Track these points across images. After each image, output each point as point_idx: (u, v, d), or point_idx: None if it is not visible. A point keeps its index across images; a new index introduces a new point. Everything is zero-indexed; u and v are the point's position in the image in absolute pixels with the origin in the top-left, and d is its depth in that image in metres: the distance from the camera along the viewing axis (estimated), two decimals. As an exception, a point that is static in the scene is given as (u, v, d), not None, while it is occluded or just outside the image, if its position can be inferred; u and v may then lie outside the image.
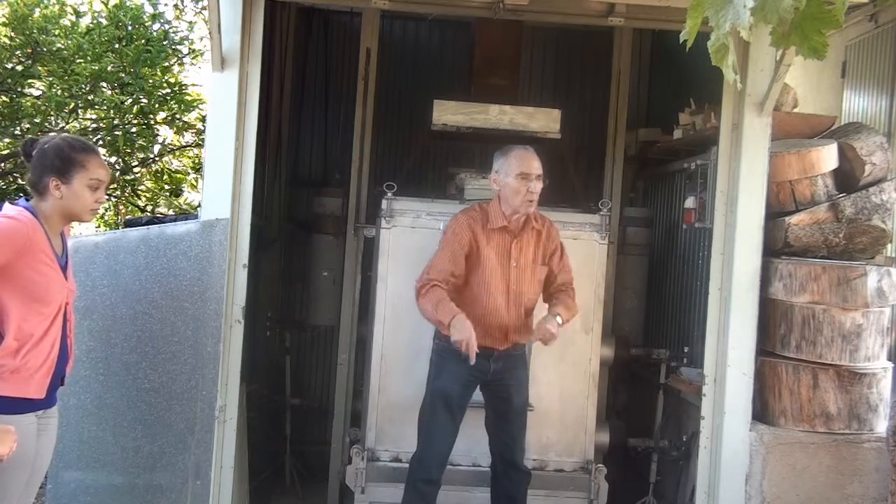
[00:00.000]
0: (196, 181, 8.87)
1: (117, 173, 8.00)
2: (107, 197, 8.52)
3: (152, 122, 7.65)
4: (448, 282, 3.99)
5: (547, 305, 4.19)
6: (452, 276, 4.01)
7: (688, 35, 2.05)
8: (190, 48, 8.16)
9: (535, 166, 4.03)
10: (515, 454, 4.20)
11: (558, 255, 4.22)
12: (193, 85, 7.94)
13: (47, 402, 3.11)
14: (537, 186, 4.01)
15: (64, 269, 3.12)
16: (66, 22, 7.28)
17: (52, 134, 3.38)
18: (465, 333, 3.80)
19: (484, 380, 4.11)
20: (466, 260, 4.05)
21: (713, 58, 2.00)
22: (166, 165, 8.94)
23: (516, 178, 3.99)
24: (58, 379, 3.14)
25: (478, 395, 4.19)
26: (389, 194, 4.63)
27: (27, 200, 3.11)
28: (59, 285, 3.06)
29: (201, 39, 8.24)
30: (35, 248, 2.97)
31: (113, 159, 7.83)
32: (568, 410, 4.69)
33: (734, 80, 2.03)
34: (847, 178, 4.55)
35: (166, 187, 8.97)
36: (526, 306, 4.14)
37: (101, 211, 3.19)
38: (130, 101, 7.18)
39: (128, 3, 7.36)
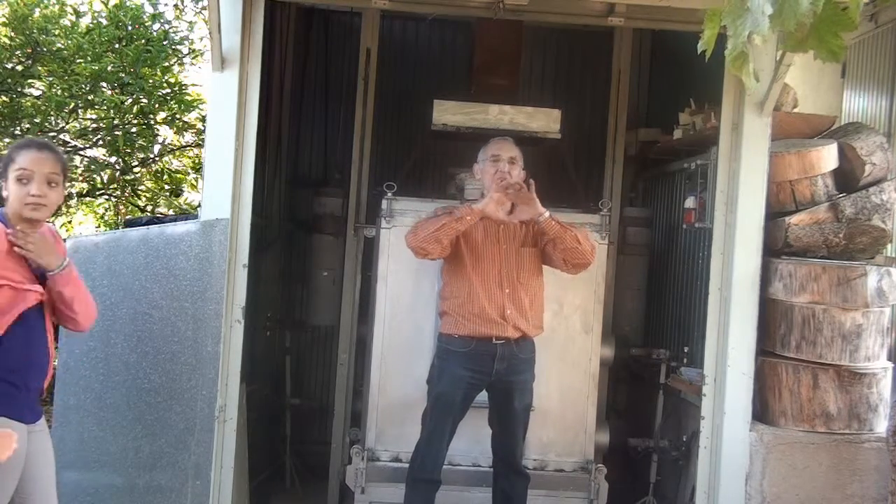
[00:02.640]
0: (196, 181, 8.85)
1: (117, 173, 8.00)
2: (106, 196, 8.56)
3: (152, 122, 7.63)
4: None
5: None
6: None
7: (706, 45, 2.05)
8: (190, 48, 8.14)
9: (508, 149, 4.17)
10: (514, 456, 4.20)
11: None
12: (193, 85, 7.93)
13: (31, 417, 3.01)
14: (510, 168, 4.11)
15: (41, 274, 3.02)
16: (66, 22, 7.27)
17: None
18: (482, 202, 3.97)
19: (488, 382, 4.10)
20: (455, 246, 4.07)
21: (731, 65, 1.99)
22: (166, 165, 8.92)
23: (489, 160, 4.16)
24: (34, 393, 3.03)
25: (481, 394, 4.18)
26: (389, 194, 4.63)
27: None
28: (16, 293, 2.92)
29: (201, 39, 8.22)
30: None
31: (113, 159, 7.83)
32: (568, 410, 4.69)
33: (754, 85, 2.03)
34: (847, 178, 4.55)
35: (166, 187, 8.94)
36: (522, 287, 4.11)
37: (41, 206, 3.04)
38: (130, 101, 7.17)
39: (128, 3, 7.35)
